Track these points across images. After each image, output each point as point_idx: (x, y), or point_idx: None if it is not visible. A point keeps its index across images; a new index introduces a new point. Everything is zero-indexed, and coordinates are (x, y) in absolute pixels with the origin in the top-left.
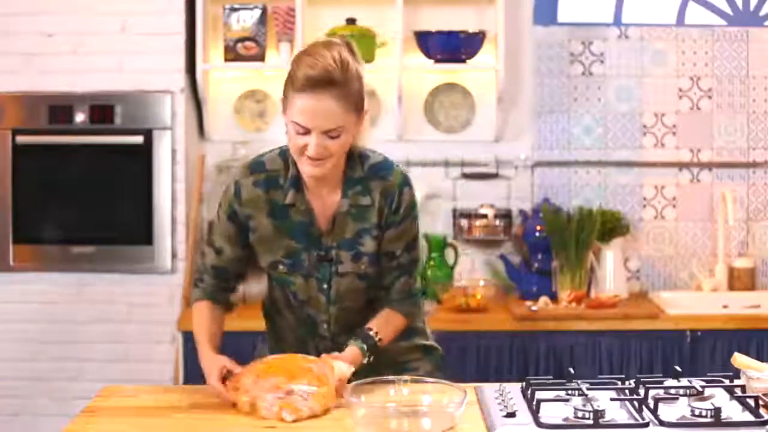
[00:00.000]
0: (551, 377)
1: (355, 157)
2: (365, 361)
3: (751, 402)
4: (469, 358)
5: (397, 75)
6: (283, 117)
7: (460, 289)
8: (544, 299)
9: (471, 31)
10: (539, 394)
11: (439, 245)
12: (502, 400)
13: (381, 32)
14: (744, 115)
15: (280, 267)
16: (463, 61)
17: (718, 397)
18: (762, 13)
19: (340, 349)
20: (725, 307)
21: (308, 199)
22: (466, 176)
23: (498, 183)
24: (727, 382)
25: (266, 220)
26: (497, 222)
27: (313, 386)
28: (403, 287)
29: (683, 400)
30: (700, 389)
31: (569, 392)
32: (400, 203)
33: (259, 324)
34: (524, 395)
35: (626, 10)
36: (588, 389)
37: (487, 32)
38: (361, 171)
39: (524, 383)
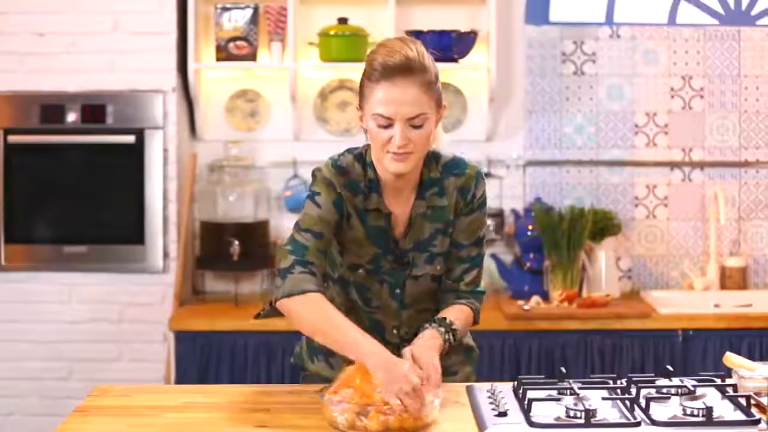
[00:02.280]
0: (543, 376)
1: (429, 156)
2: (445, 346)
3: (743, 401)
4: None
5: None
6: (360, 122)
7: None
8: (535, 299)
9: (463, 30)
10: (531, 394)
11: None
12: (494, 400)
13: (373, 32)
14: (736, 115)
15: (360, 271)
16: (455, 60)
17: (710, 396)
18: (754, 12)
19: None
20: (717, 306)
21: (386, 204)
22: None
23: (490, 182)
24: (718, 381)
25: (357, 222)
26: (489, 221)
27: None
28: (473, 280)
29: (675, 400)
30: (692, 388)
31: (561, 391)
32: (475, 194)
33: (254, 324)
34: (516, 394)
35: (618, 10)
36: (579, 388)
37: (479, 32)
38: (437, 171)
39: (516, 382)
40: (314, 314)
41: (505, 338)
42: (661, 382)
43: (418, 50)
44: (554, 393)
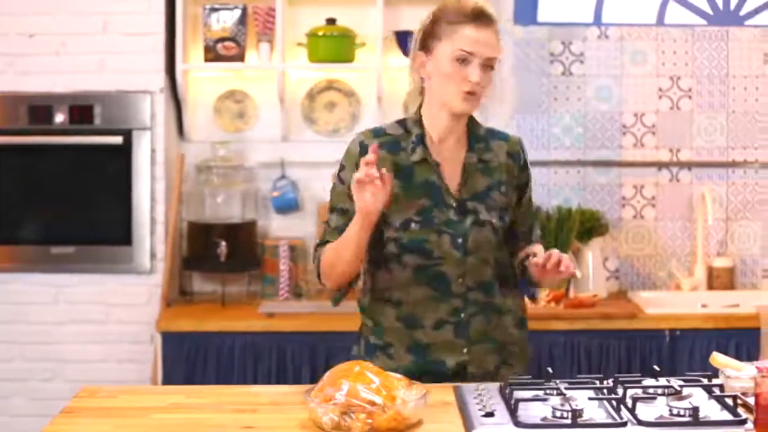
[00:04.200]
0: (530, 377)
1: (473, 118)
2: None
3: (730, 401)
4: None
5: (377, 75)
6: (418, 71)
7: None
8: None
9: None
10: (517, 394)
11: None
12: (481, 400)
13: (361, 32)
14: (724, 115)
15: (413, 225)
16: None
17: (697, 396)
18: (742, 12)
19: (473, 306)
20: (704, 306)
21: (435, 158)
22: None
23: None
24: (705, 381)
25: (394, 180)
26: None
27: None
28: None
29: (661, 400)
30: (679, 388)
31: (547, 392)
32: (526, 160)
33: (241, 325)
34: (503, 395)
35: (606, 10)
36: (566, 389)
37: None
38: (482, 130)
39: (503, 383)
40: (325, 259)
41: None
42: (648, 382)
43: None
44: (541, 393)
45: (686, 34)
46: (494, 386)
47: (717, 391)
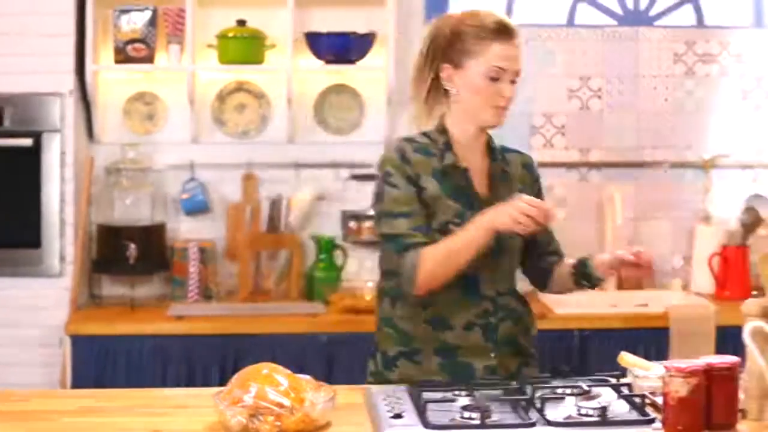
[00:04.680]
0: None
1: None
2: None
3: (638, 400)
4: (357, 360)
5: (287, 77)
6: (448, 82)
7: (348, 291)
8: None
9: (361, 32)
10: (426, 395)
11: (328, 246)
12: (389, 402)
13: (271, 34)
14: (634, 115)
15: (451, 227)
16: (353, 62)
17: (605, 396)
18: (652, 12)
19: (501, 310)
20: (613, 306)
21: (464, 164)
22: (355, 178)
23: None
24: (613, 381)
25: (432, 180)
26: None
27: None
28: (559, 247)
29: (570, 400)
30: (587, 388)
31: (456, 392)
32: (537, 173)
33: (151, 328)
34: (411, 396)
35: (516, 11)
36: (475, 389)
37: (378, 33)
38: (496, 143)
39: (412, 384)
40: (431, 261)
41: None
42: (557, 382)
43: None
44: (449, 394)
45: (596, 34)
46: (403, 388)
47: (625, 391)
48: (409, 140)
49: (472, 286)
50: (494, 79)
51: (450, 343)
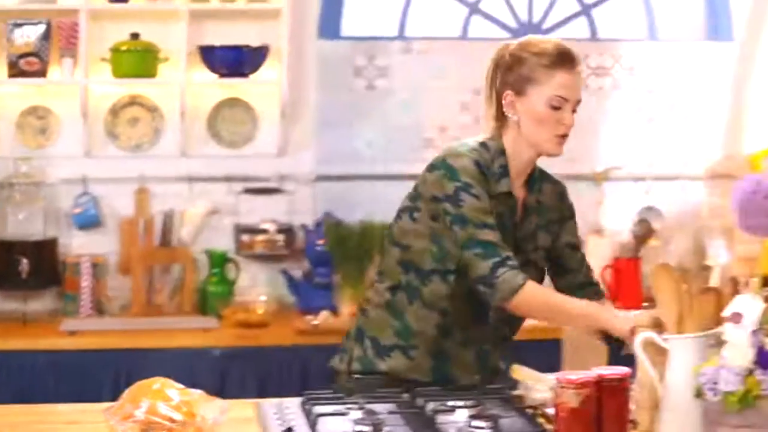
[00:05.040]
0: (331, 391)
1: None
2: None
3: (530, 412)
4: (250, 374)
5: (180, 90)
6: (510, 109)
7: (241, 305)
8: (325, 313)
9: (255, 45)
10: (317, 409)
11: (220, 261)
12: (281, 416)
13: (165, 47)
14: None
15: None
16: (247, 75)
17: (496, 408)
18: (545, 25)
19: (500, 338)
20: None
21: (514, 191)
22: (248, 191)
23: (280, 198)
24: (505, 393)
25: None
26: (279, 237)
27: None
28: (593, 277)
29: (462, 412)
30: (479, 401)
31: (348, 406)
32: (571, 202)
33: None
34: (304, 410)
35: (410, 24)
36: (367, 403)
37: (271, 46)
38: (537, 170)
39: (303, 398)
40: (540, 301)
41: (294, 353)
42: (448, 395)
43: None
44: (342, 408)
45: (490, 47)
46: (295, 401)
47: (517, 403)
48: (477, 153)
49: (482, 309)
50: (556, 108)
51: (447, 352)
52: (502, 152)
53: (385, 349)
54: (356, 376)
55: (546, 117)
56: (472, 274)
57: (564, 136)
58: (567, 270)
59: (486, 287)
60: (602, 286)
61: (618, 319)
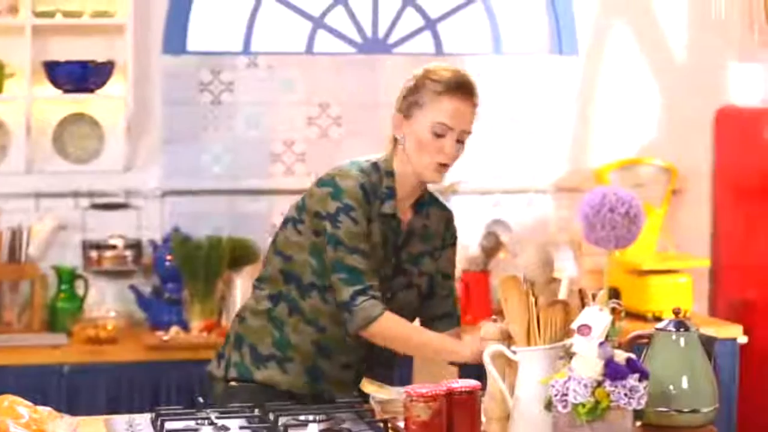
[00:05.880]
0: (181, 407)
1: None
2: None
3: (381, 425)
4: (99, 391)
5: (25, 105)
6: (397, 130)
7: (90, 321)
8: (175, 329)
9: (100, 60)
10: (168, 425)
11: (68, 277)
12: (131, 431)
13: (9, 62)
14: (373, 142)
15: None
16: (92, 91)
17: (349, 422)
18: (390, 41)
19: (378, 362)
20: None
21: (398, 214)
22: (95, 207)
23: (128, 213)
24: (357, 407)
25: (375, 225)
26: (127, 252)
27: None
28: (456, 307)
29: (313, 427)
30: (330, 415)
31: (199, 422)
32: (455, 229)
33: None
34: (154, 426)
35: (255, 39)
36: (217, 418)
37: (117, 62)
38: (426, 195)
39: (154, 414)
40: (394, 333)
41: (143, 369)
42: (301, 409)
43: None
44: (192, 423)
45: (335, 62)
46: (146, 417)
47: (368, 417)
48: (366, 175)
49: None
50: (439, 135)
51: (323, 371)
52: (391, 173)
53: (262, 359)
54: (232, 383)
55: (427, 143)
56: (336, 297)
57: (444, 165)
58: (434, 296)
59: (346, 313)
60: (458, 314)
61: (461, 346)
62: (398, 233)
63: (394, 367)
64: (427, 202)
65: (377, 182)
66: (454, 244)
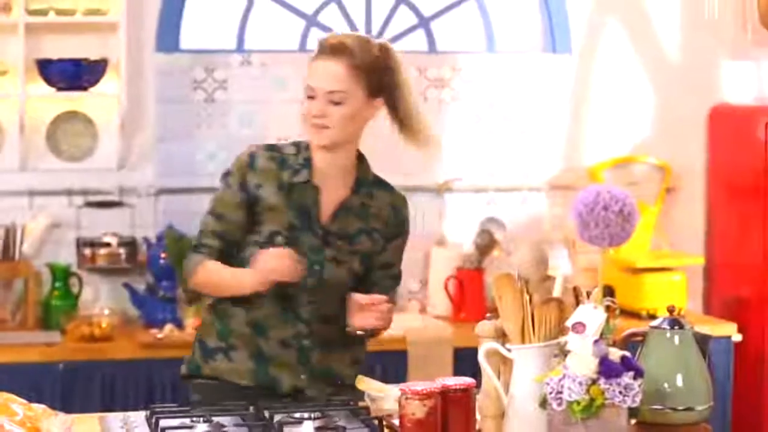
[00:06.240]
0: (176, 405)
1: (364, 159)
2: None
3: (375, 423)
4: (94, 389)
5: (19, 104)
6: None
7: (84, 319)
8: (169, 326)
9: (93, 58)
10: (163, 422)
11: (63, 275)
12: (126, 429)
13: (2, 60)
14: (367, 139)
15: (278, 239)
16: (86, 88)
17: (343, 419)
18: (385, 36)
19: (316, 336)
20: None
21: (317, 183)
22: (89, 204)
23: (122, 211)
24: (351, 404)
25: (275, 191)
26: (121, 250)
27: None
28: (393, 298)
29: (308, 424)
30: (325, 413)
31: (194, 419)
32: (405, 218)
33: None
34: (149, 423)
35: (248, 37)
36: (212, 415)
37: (110, 60)
38: (371, 177)
39: (148, 411)
40: (205, 276)
41: (138, 367)
42: (295, 407)
43: (368, 41)
44: (187, 421)
45: None
46: (141, 415)
47: (363, 414)
48: (270, 148)
49: (289, 305)
50: (310, 98)
51: (265, 352)
52: (308, 146)
53: (210, 352)
54: (185, 380)
55: (304, 107)
56: None
57: (317, 126)
58: (372, 285)
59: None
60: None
61: (245, 278)
62: (316, 204)
63: (352, 346)
64: (371, 183)
65: (292, 154)
66: (401, 235)
